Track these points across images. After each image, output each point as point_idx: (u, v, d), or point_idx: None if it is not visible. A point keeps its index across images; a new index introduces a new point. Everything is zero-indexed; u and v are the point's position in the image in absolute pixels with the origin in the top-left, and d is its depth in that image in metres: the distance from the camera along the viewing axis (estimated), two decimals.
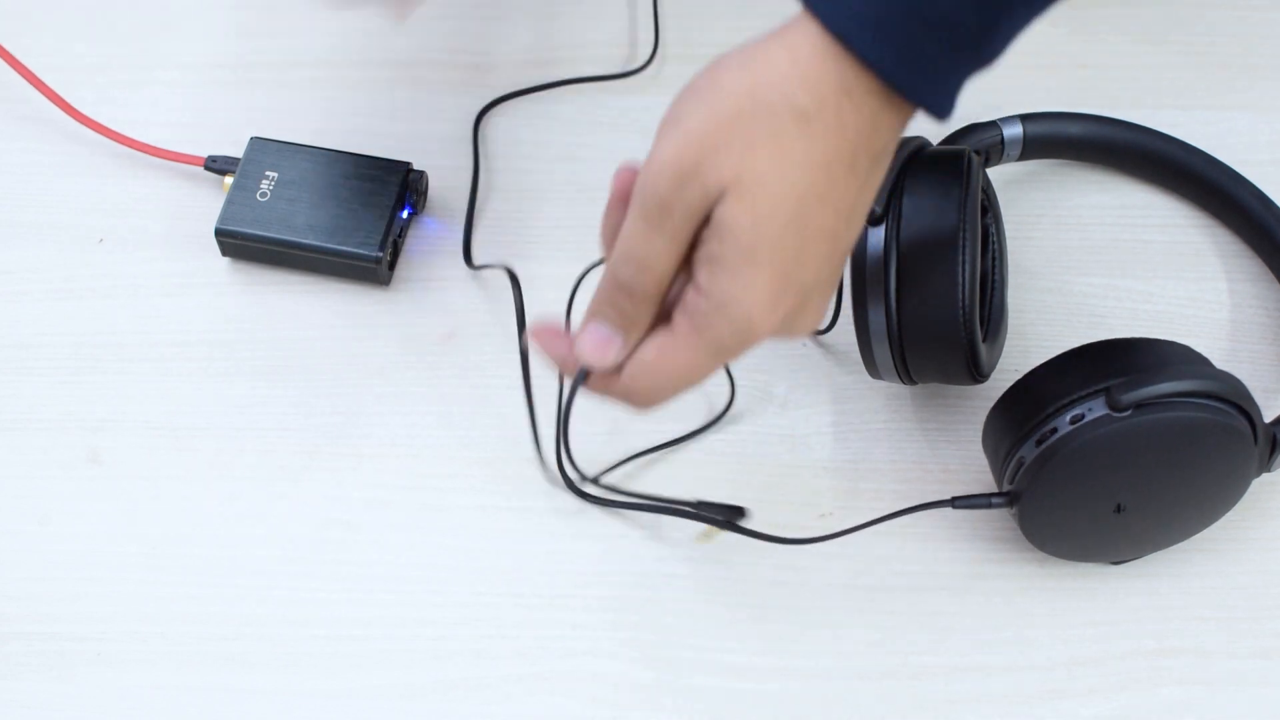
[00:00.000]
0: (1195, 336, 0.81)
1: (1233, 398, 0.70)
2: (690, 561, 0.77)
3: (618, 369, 0.65)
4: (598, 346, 0.65)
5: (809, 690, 0.74)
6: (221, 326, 0.83)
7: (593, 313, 0.65)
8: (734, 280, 0.61)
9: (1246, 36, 0.90)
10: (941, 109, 0.62)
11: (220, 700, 0.75)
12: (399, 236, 0.84)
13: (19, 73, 0.86)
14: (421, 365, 0.82)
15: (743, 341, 0.63)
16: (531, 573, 0.77)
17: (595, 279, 0.65)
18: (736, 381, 0.81)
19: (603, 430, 0.80)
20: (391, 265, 0.84)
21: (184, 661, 0.75)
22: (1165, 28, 0.90)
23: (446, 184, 0.87)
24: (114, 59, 0.90)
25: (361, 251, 0.82)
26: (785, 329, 0.64)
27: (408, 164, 0.84)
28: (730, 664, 0.75)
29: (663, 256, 0.62)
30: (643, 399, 0.65)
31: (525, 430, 0.80)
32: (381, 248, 0.82)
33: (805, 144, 0.61)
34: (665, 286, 0.64)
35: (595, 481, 0.77)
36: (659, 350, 0.64)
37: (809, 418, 0.80)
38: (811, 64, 0.61)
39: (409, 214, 0.84)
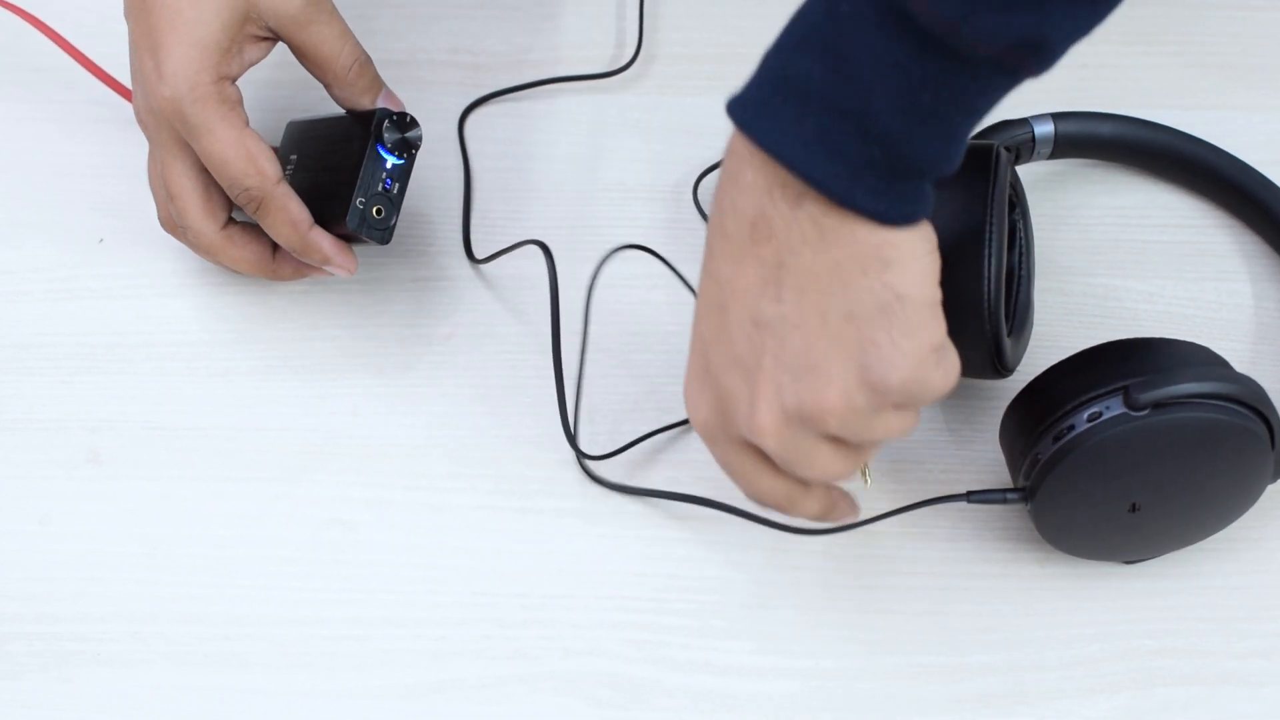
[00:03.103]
0: (1216, 339, 0.80)
1: (1251, 401, 0.70)
2: (690, 561, 0.77)
3: None
4: None
5: (810, 690, 0.74)
6: (221, 326, 0.83)
7: None
8: None
9: (1246, 36, 0.90)
10: (868, 204, 0.61)
11: (220, 700, 0.75)
12: (387, 188, 0.78)
13: (57, 43, 0.85)
14: (421, 365, 0.82)
15: (695, 424, 0.69)
16: (531, 573, 0.77)
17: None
18: None
19: (605, 429, 0.80)
20: (387, 218, 0.78)
21: (184, 661, 0.75)
22: (1165, 28, 0.90)
23: (440, 182, 0.87)
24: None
25: (334, 223, 0.78)
26: (720, 421, 0.67)
27: (379, 111, 0.78)
28: (731, 664, 0.75)
29: None
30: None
31: (525, 430, 0.80)
32: (346, 213, 0.77)
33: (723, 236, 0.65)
34: None
35: (607, 457, 0.78)
36: None
37: None
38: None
39: (397, 163, 0.78)
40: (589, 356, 0.81)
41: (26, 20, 0.86)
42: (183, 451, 0.80)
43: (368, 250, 0.84)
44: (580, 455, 0.79)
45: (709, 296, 0.66)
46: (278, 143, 0.83)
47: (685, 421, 0.80)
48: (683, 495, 0.77)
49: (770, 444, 0.65)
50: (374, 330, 0.83)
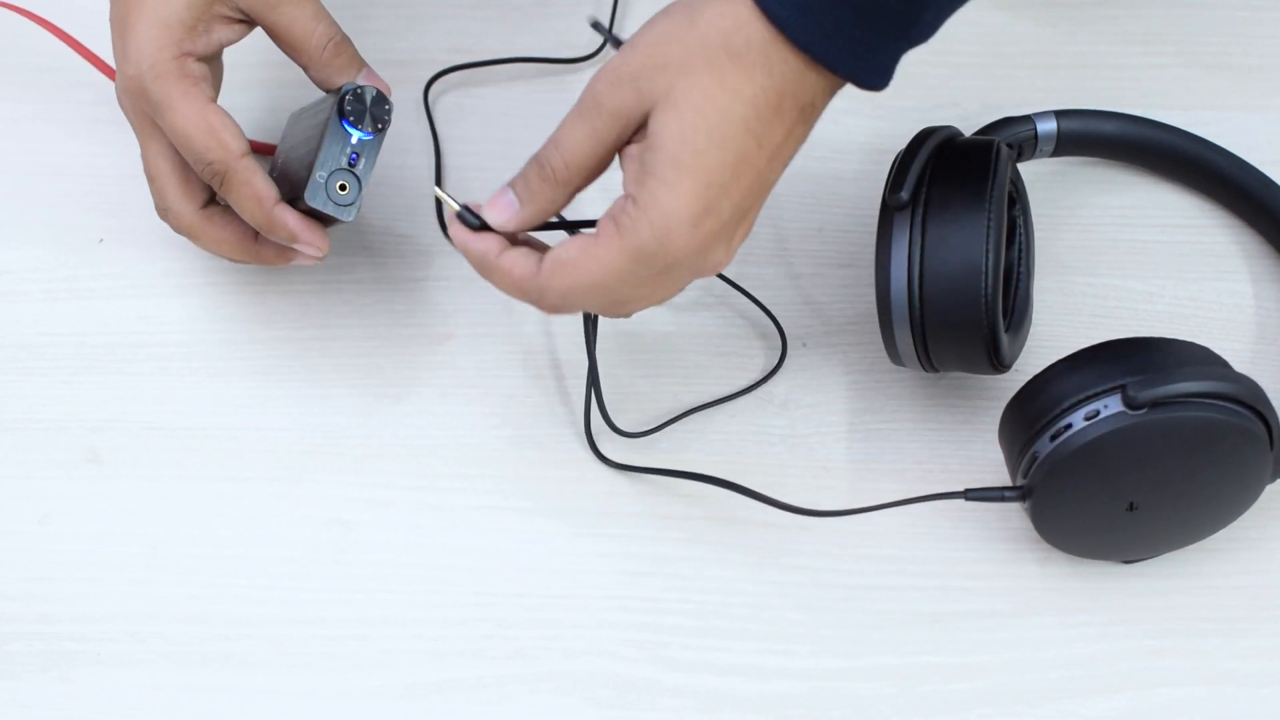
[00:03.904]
0: (1216, 339, 0.81)
1: (1250, 401, 0.70)
2: (690, 561, 0.77)
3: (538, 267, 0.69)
4: (496, 205, 0.70)
5: (809, 690, 0.74)
6: (221, 326, 0.83)
7: (508, 183, 0.70)
8: (660, 185, 0.66)
9: (1246, 36, 0.90)
10: (870, 82, 0.68)
11: (220, 700, 0.75)
12: (352, 163, 0.76)
13: (55, 34, 0.85)
14: (421, 365, 0.82)
15: (662, 249, 0.66)
16: (531, 573, 0.77)
17: None
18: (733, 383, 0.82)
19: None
20: (350, 193, 0.76)
21: (184, 661, 0.75)
22: (1165, 28, 0.90)
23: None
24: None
25: (301, 201, 0.77)
26: (701, 256, 0.68)
27: (344, 85, 0.77)
28: (731, 664, 0.75)
29: (579, 142, 0.68)
30: (556, 297, 0.69)
31: (524, 430, 0.80)
32: (308, 189, 0.75)
33: (735, 75, 0.66)
34: (573, 175, 0.68)
35: (642, 435, 0.80)
36: (581, 249, 0.68)
37: (809, 417, 0.81)
38: (749, 22, 0.66)
39: (364, 137, 0.76)
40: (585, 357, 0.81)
41: (25, 16, 0.86)
42: (183, 451, 0.80)
43: (368, 250, 0.84)
44: (616, 432, 0.79)
45: (738, 148, 0.67)
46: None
47: (704, 407, 0.80)
48: (697, 474, 0.77)
49: (711, 275, 0.70)
50: (374, 330, 0.83)
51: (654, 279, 0.68)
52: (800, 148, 0.69)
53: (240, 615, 0.76)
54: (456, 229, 0.71)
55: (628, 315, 0.72)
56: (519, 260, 0.70)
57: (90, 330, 0.83)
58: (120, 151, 0.86)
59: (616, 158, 0.68)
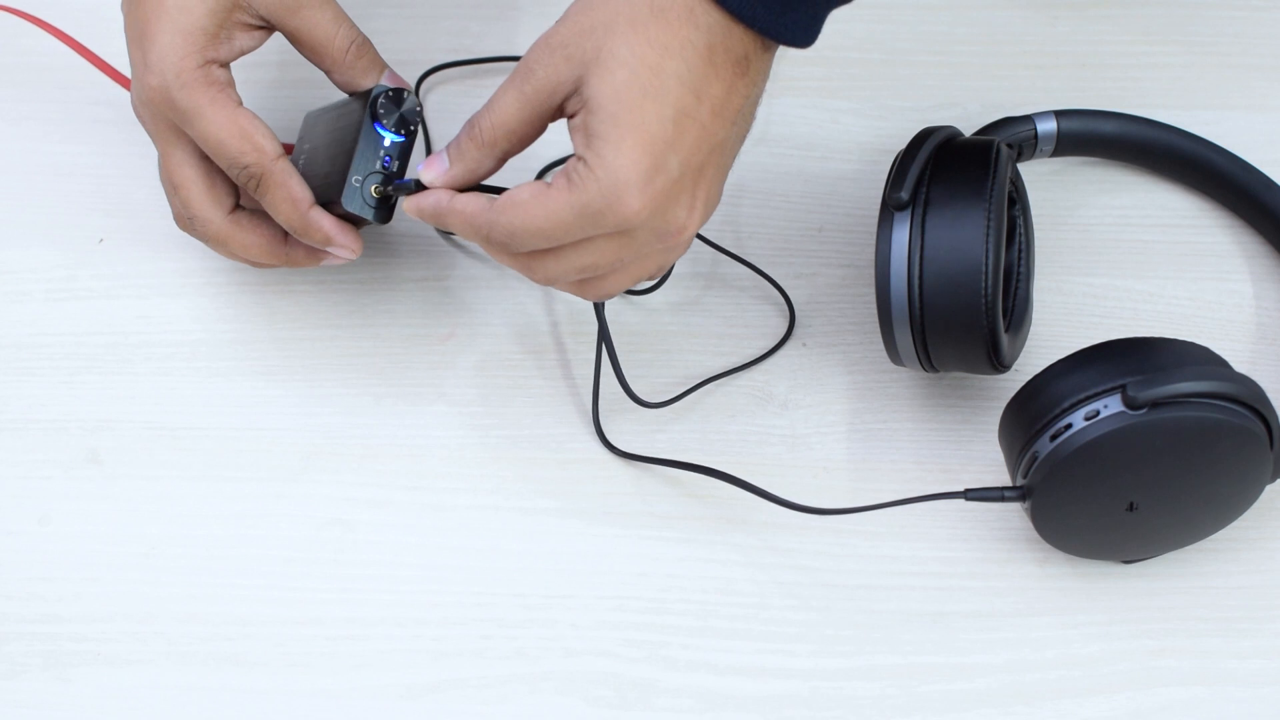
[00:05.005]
0: (1216, 339, 0.81)
1: (1250, 401, 0.70)
2: (690, 561, 0.77)
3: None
4: (430, 164, 0.72)
5: (809, 690, 0.74)
6: (221, 326, 0.83)
7: (445, 145, 0.73)
8: (605, 145, 0.67)
9: (1246, 36, 0.90)
10: (793, 40, 0.69)
11: (220, 700, 0.75)
12: (386, 166, 0.76)
13: (61, 39, 0.84)
14: (421, 365, 0.82)
15: (611, 209, 0.68)
16: (531, 573, 0.77)
17: None
18: (736, 383, 0.81)
19: (613, 426, 0.80)
20: (387, 196, 0.76)
21: (184, 661, 0.75)
22: (1165, 28, 0.90)
23: None
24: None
25: (335, 205, 0.76)
26: (659, 218, 0.69)
27: (375, 88, 0.77)
28: (731, 664, 0.75)
29: (507, 106, 0.70)
30: (503, 234, 0.70)
31: (524, 430, 0.80)
32: (344, 194, 0.75)
33: (661, 31, 0.67)
34: (500, 138, 0.70)
35: (664, 404, 0.80)
36: (533, 193, 0.69)
37: (809, 417, 0.81)
38: None
39: (396, 139, 0.76)
40: (586, 357, 0.81)
41: (29, 20, 0.86)
42: (183, 451, 0.80)
43: (369, 250, 0.84)
44: (638, 402, 0.79)
45: (675, 101, 0.68)
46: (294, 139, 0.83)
47: (723, 375, 0.81)
48: (700, 466, 0.77)
49: (679, 241, 0.71)
50: (374, 330, 0.83)
51: (613, 243, 0.69)
52: (749, 106, 0.70)
53: (240, 615, 0.76)
54: (406, 200, 0.73)
55: (608, 295, 0.73)
56: (470, 200, 0.71)
57: (90, 330, 0.83)
58: (121, 151, 0.86)
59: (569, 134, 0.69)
